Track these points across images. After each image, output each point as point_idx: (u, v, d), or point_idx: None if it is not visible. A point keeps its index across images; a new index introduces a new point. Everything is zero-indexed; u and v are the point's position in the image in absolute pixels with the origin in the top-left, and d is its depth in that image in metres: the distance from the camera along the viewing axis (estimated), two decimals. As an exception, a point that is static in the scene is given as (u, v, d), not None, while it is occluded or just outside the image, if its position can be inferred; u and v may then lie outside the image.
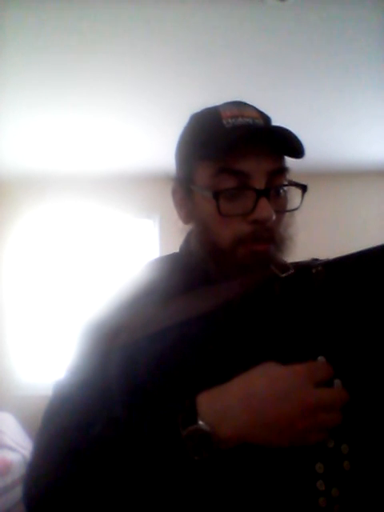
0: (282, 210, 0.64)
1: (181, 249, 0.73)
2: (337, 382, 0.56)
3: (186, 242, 0.72)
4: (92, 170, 3.27)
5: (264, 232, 0.61)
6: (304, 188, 0.65)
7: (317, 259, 0.68)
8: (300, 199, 0.66)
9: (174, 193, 0.71)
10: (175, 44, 1.90)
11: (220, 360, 0.58)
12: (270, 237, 0.62)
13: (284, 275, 0.61)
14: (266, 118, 0.68)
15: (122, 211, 3.42)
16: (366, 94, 2.37)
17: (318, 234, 3.24)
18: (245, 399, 0.51)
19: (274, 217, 0.61)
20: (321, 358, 0.56)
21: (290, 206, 0.66)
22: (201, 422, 0.50)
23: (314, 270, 0.62)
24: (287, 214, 0.66)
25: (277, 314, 0.61)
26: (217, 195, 0.61)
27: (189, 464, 0.50)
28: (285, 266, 0.62)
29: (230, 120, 0.64)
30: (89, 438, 0.55)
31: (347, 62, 2.08)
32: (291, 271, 0.62)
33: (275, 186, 0.63)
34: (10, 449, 2.53)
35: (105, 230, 3.44)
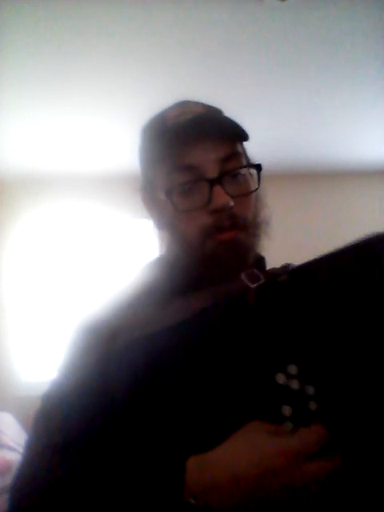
0: (242, 193, 0.64)
1: (164, 251, 0.74)
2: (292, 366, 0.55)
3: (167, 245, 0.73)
4: (92, 170, 3.27)
5: (226, 220, 0.61)
6: (258, 167, 0.65)
7: (289, 264, 0.67)
8: (260, 181, 0.66)
9: (144, 202, 0.73)
10: (174, 45, 1.90)
11: (194, 372, 0.57)
12: (234, 224, 0.62)
13: (254, 286, 0.61)
14: (215, 111, 0.69)
15: (122, 211, 3.42)
16: (365, 94, 2.37)
17: (317, 234, 3.24)
18: (233, 478, 0.49)
19: (231, 203, 0.60)
20: (292, 367, 0.55)
21: (253, 187, 0.65)
22: (189, 498, 0.49)
23: (279, 279, 0.62)
24: (255, 199, 0.66)
25: (247, 325, 0.61)
26: (170, 193, 0.62)
27: None
28: (255, 276, 0.62)
29: (172, 120, 0.65)
30: (80, 472, 0.54)
31: (347, 62, 2.08)
32: (262, 281, 0.62)
33: (228, 171, 0.63)
34: (10, 449, 2.53)
35: (104, 230, 3.44)
